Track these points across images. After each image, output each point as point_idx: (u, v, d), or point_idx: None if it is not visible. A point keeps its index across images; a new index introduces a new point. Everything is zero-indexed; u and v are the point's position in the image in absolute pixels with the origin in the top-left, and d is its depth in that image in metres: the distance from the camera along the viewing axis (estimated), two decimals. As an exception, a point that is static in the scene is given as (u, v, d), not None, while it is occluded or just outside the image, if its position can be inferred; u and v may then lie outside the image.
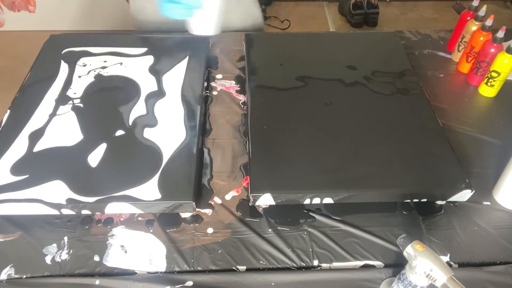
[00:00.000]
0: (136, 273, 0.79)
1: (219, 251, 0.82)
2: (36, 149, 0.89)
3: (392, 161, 0.88)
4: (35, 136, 0.92)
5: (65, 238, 0.83)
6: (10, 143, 0.90)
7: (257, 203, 0.84)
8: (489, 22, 1.10)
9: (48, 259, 0.80)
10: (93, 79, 1.06)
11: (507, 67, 1.06)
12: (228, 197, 0.90)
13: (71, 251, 0.81)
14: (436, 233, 0.86)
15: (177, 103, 1.01)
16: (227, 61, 1.22)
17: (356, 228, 0.86)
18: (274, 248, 0.82)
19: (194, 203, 0.82)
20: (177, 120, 0.97)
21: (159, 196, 0.82)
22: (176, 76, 1.08)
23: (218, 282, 0.76)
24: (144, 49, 1.16)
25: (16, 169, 0.85)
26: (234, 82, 1.16)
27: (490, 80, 1.11)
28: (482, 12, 1.14)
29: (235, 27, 1.33)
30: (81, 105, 1.00)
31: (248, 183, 0.89)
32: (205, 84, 1.10)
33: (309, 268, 0.80)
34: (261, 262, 0.81)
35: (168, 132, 0.94)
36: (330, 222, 0.87)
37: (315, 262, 0.81)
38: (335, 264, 0.81)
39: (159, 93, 1.03)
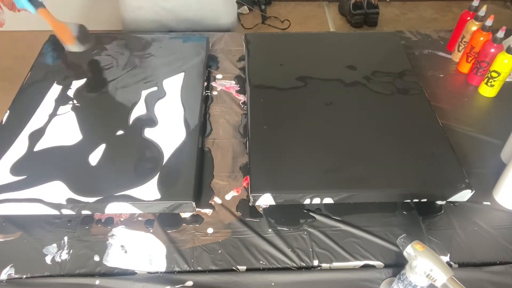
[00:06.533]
0: (136, 273, 0.79)
1: (219, 251, 0.82)
2: (36, 149, 0.89)
3: (392, 161, 0.88)
4: (35, 136, 0.92)
5: (65, 238, 0.83)
6: (10, 143, 0.90)
7: (257, 203, 0.84)
8: (489, 22, 1.10)
9: (48, 259, 0.80)
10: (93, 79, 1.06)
11: (507, 67, 1.06)
12: (228, 197, 0.90)
13: (71, 251, 0.81)
14: (436, 233, 0.86)
15: (177, 103, 1.01)
16: (227, 61, 1.22)
17: (356, 228, 0.86)
18: (274, 248, 0.82)
19: (194, 203, 0.82)
20: (177, 120, 0.97)
21: (159, 196, 0.82)
22: (176, 76, 1.08)
23: (218, 282, 0.76)
24: (145, 49, 1.16)
25: (16, 169, 0.85)
26: (234, 82, 1.16)
27: (490, 80, 1.11)
28: (482, 12, 1.14)
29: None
30: (81, 105, 1.00)
31: (248, 183, 0.89)
32: (205, 84, 1.10)
33: (309, 268, 0.80)
34: (261, 262, 0.80)
35: (168, 132, 0.94)
36: (330, 222, 0.87)
37: (315, 262, 0.81)
38: (335, 264, 0.81)
39: (159, 93, 1.03)
